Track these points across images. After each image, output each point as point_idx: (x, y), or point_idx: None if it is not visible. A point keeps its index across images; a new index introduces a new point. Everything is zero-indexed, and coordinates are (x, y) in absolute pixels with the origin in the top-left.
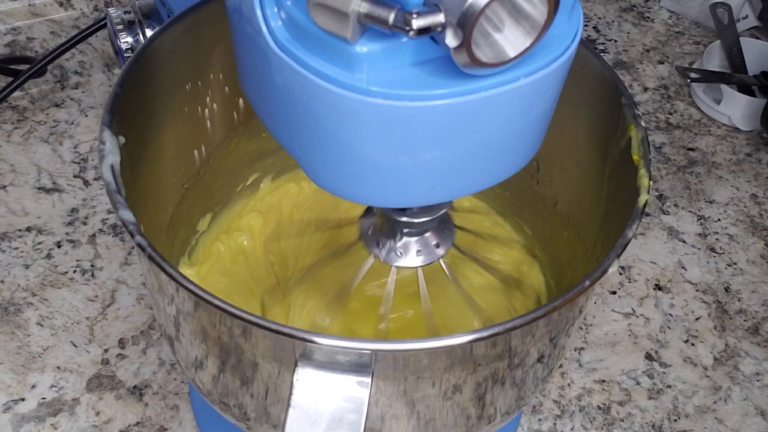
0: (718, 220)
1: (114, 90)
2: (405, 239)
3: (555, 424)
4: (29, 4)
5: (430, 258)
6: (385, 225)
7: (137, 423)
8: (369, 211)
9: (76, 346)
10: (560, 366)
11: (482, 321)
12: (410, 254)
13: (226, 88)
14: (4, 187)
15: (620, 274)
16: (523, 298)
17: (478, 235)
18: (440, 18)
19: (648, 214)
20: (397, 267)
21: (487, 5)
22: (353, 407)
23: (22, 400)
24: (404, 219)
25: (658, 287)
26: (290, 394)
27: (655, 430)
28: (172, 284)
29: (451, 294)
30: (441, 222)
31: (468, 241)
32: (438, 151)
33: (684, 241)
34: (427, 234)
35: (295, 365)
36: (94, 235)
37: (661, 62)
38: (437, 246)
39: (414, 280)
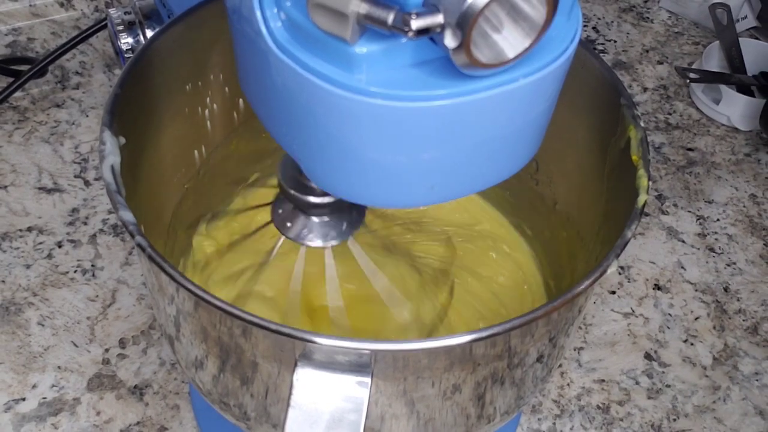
0: (718, 220)
1: (114, 90)
2: (313, 219)
3: (554, 423)
4: (30, 5)
5: (338, 238)
6: (294, 205)
7: (138, 423)
8: (280, 193)
9: (76, 346)
10: (560, 366)
11: (384, 306)
12: (318, 234)
13: (226, 89)
14: (5, 187)
15: (619, 274)
16: (435, 289)
17: (399, 222)
18: (439, 19)
19: (647, 214)
20: (306, 246)
21: (486, 6)
22: (353, 407)
23: (23, 399)
24: (310, 199)
25: (657, 287)
26: (290, 393)
27: (655, 429)
28: (172, 284)
29: (362, 277)
30: (351, 204)
31: (388, 227)
32: (437, 152)
33: (683, 241)
34: (337, 214)
35: (295, 365)
36: (94, 235)
37: (660, 62)
38: (345, 228)
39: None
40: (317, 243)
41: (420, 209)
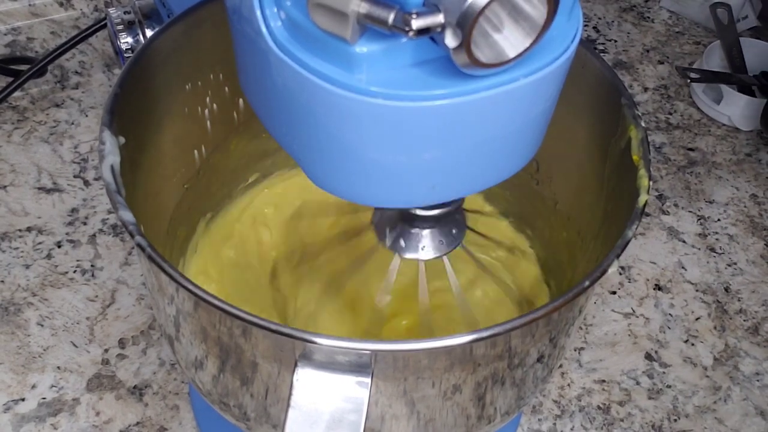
0: (718, 220)
1: (114, 90)
2: (413, 230)
3: (555, 424)
4: (29, 5)
5: (434, 252)
6: (395, 213)
7: (137, 423)
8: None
9: (76, 346)
10: (560, 366)
11: (470, 326)
12: (415, 246)
13: (226, 89)
14: (5, 187)
15: (620, 274)
16: (518, 311)
17: (488, 241)
18: (440, 18)
19: (648, 214)
20: (401, 258)
21: (486, 6)
22: (353, 407)
23: (23, 400)
24: (415, 211)
25: (657, 287)
26: (290, 394)
27: (655, 430)
28: (171, 284)
29: (450, 294)
30: (452, 219)
31: (478, 245)
32: (438, 151)
33: (684, 241)
34: (435, 229)
35: (295, 365)
36: (94, 235)
37: (661, 62)
38: (443, 242)
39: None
40: (413, 255)
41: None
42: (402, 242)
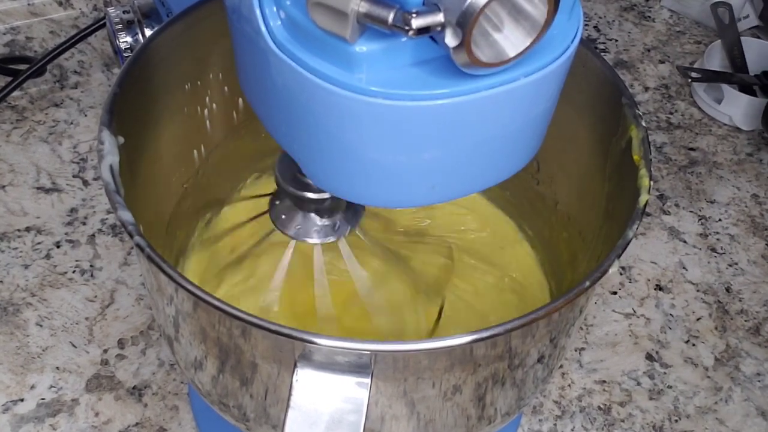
0: (719, 220)
1: (113, 90)
2: (308, 215)
3: (555, 424)
4: (28, 4)
5: (329, 236)
6: (290, 200)
7: (136, 424)
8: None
9: (75, 347)
10: (560, 366)
11: (365, 311)
12: (310, 230)
13: (226, 88)
14: (3, 187)
15: (621, 274)
16: (426, 303)
17: (401, 229)
18: (439, 17)
19: (648, 214)
20: (295, 241)
21: (486, 5)
22: (353, 408)
23: (21, 400)
24: (306, 194)
25: (658, 287)
26: (289, 394)
27: (656, 430)
28: (171, 284)
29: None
30: (348, 205)
31: (387, 232)
32: (438, 151)
33: (685, 241)
34: (331, 212)
35: (295, 366)
36: (93, 235)
37: (661, 62)
38: (338, 226)
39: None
40: (310, 239)
41: (426, 219)
42: (298, 226)
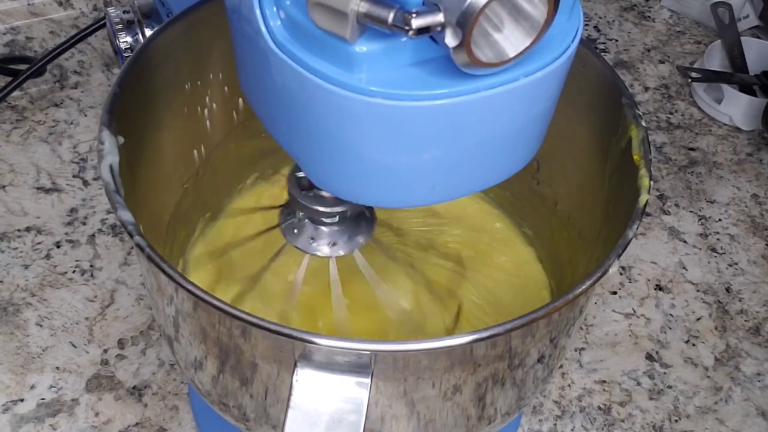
0: (719, 220)
1: (113, 90)
2: (321, 228)
3: (555, 424)
4: (28, 4)
5: (344, 249)
6: (302, 213)
7: (136, 424)
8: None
9: (75, 347)
10: (560, 366)
11: (381, 321)
12: (324, 243)
13: (226, 88)
14: (3, 187)
15: (621, 274)
16: (443, 310)
17: (412, 238)
18: (439, 17)
19: (648, 214)
20: (311, 255)
21: (486, 5)
22: (353, 408)
23: (21, 400)
24: (319, 208)
25: (658, 287)
26: (289, 394)
27: (656, 430)
28: (171, 285)
29: (365, 289)
30: (361, 215)
31: (399, 242)
32: (438, 151)
33: (685, 241)
34: (344, 225)
35: (295, 366)
36: (93, 235)
37: (661, 62)
38: (352, 238)
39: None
40: (323, 252)
41: (431, 223)
42: (311, 240)
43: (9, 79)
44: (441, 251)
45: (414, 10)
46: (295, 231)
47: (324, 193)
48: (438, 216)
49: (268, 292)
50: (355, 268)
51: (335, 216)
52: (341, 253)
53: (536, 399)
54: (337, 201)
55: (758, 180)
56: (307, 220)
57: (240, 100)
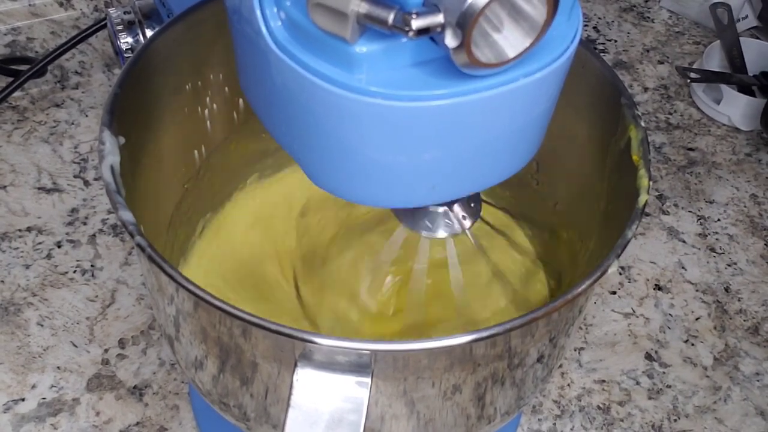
0: (718, 220)
1: (114, 90)
2: (433, 209)
3: (555, 424)
4: (29, 5)
5: (455, 229)
6: None
7: (137, 423)
8: None
9: (76, 346)
10: (560, 366)
11: (509, 298)
12: (438, 225)
13: (226, 89)
14: (5, 187)
15: (620, 274)
16: (548, 278)
17: (506, 214)
18: (439, 18)
19: (648, 214)
20: (425, 237)
21: (486, 5)
22: (353, 407)
23: (22, 400)
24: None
25: (658, 287)
26: (290, 394)
27: (655, 430)
28: (171, 284)
29: (480, 270)
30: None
31: (498, 219)
32: (438, 151)
33: (684, 241)
34: (455, 206)
35: (295, 365)
36: (94, 235)
37: (661, 62)
38: (464, 218)
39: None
40: (440, 234)
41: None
42: (427, 222)
43: (10, 79)
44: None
45: (414, 11)
46: (409, 214)
47: None
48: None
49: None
50: (469, 245)
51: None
52: (452, 233)
53: (536, 398)
54: None
55: (757, 180)
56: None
57: (240, 100)
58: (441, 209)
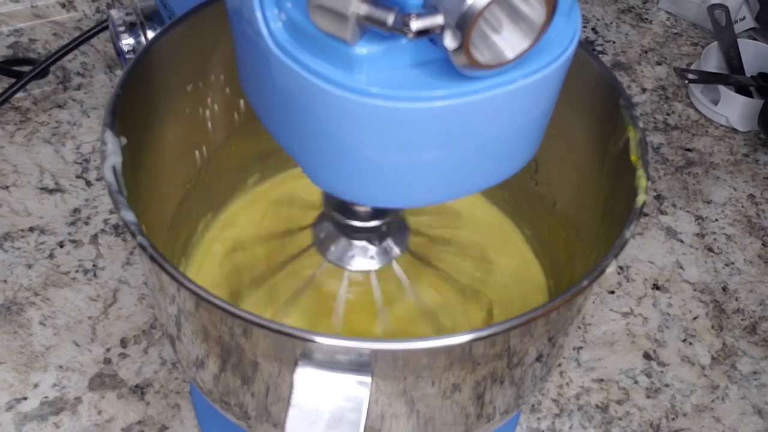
0: (716, 220)
1: (116, 91)
2: (356, 243)
3: (554, 422)
4: (32, 6)
5: (382, 261)
6: (337, 229)
7: (139, 422)
8: (321, 216)
9: (78, 346)
10: (559, 365)
11: (435, 329)
12: (362, 258)
13: (227, 89)
14: (7, 187)
15: (618, 273)
16: (478, 310)
17: (435, 241)
18: (439, 20)
19: (646, 215)
20: (349, 271)
21: (485, 7)
22: (353, 406)
23: (25, 399)
24: (354, 223)
25: (656, 287)
26: (290, 393)
27: (653, 428)
28: (173, 284)
29: (407, 299)
30: (395, 225)
31: (425, 247)
32: (437, 152)
33: (682, 241)
34: (380, 237)
35: (296, 364)
36: (96, 235)
37: (659, 63)
38: (389, 250)
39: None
40: (361, 266)
41: (448, 226)
42: (349, 255)
43: (13, 80)
44: (461, 251)
45: (414, 13)
46: (332, 247)
47: (360, 208)
48: (448, 214)
49: (306, 314)
50: (392, 280)
51: (374, 230)
52: (380, 265)
53: (535, 397)
54: (373, 215)
55: (754, 180)
56: (341, 235)
57: (241, 101)
58: (365, 242)
